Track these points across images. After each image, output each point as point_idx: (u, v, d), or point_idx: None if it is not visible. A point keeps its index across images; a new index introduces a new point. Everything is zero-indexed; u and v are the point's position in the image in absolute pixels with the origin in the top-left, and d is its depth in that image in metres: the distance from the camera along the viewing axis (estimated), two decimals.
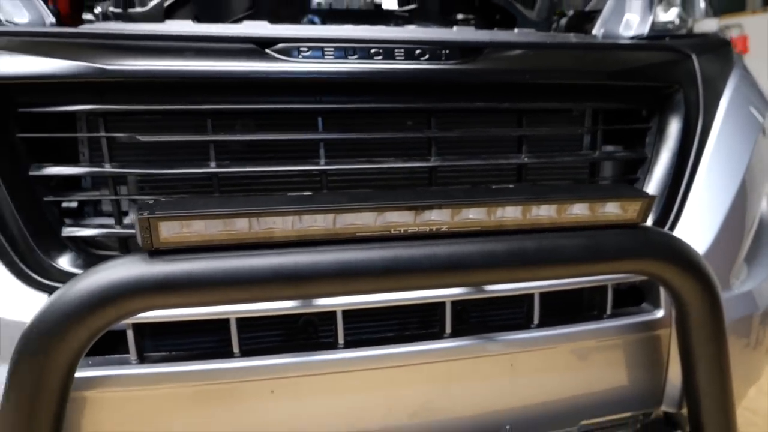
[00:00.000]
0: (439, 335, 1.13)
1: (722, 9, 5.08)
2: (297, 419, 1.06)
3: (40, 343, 0.85)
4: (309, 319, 1.10)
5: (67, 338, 0.85)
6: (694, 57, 1.33)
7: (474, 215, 0.98)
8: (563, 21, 1.59)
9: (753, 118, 1.41)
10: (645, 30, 1.40)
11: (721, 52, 1.48)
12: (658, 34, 1.44)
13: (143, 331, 1.03)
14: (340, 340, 1.07)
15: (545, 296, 1.18)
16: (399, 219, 0.95)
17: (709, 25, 1.58)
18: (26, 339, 0.86)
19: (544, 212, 1.02)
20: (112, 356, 1.02)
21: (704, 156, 1.32)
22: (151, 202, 0.88)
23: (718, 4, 5.13)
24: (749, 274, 1.41)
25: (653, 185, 1.30)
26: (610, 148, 1.36)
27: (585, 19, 1.51)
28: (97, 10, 1.26)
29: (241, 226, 0.87)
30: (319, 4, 1.32)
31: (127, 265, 0.84)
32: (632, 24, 1.42)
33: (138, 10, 1.23)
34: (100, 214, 1.13)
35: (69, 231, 1.04)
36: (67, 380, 0.88)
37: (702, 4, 1.59)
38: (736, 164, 1.33)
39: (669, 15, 1.50)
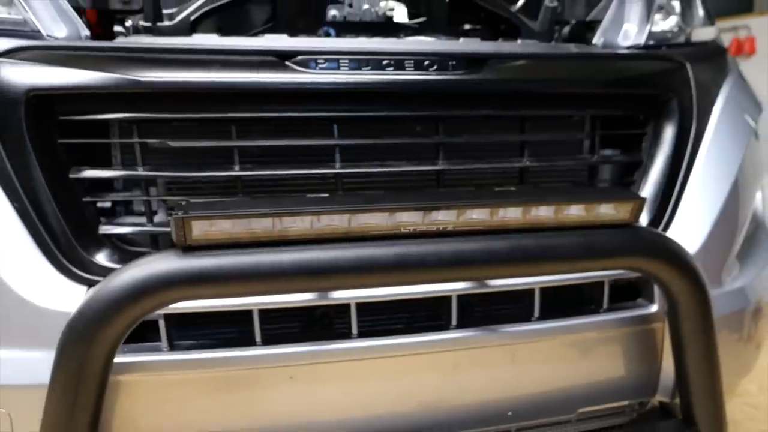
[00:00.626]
0: (445, 327, 1.18)
1: (730, 10, 5.10)
2: (314, 403, 1.13)
3: (84, 330, 0.93)
4: (325, 311, 1.17)
5: (109, 326, 0.92)
6: (688, 66, 1.39)
7: (478, 215, 1.05)
8: (566, 29, 1.65)
9: (745, 122, 1.48)
10: (642, 40, 1.46)
11: (716, 60, 1.54)
12: (656, 44, 1.49)
13: (171, 321, 1.09)
14: (354, 331, 1.13)
15: (545, 291, 1.23)
16: (409, 219, 1.02)
17: (707, 33, 1.63)
18: (72, 327, 0.94)
19: (543, 213, 1.08)
20: (144, 344, 1.08)
21: (698, 160, 1.38)
22: (183, 203, 0.97)
23: (726, 5, 5.15)
24: (741, 271, 1.47)
25: (649, 187, 1.36)
26: (608, 152, 1.41)
27: (586, 29, 1.57)
28: (128, 23, 1.33)
29: (264, 225, 0.95)
30: (334, 16, 1.39)
31: (163, 260, 0.93)
32: (630, 34, 1.47)
33: (167, 23, 1.30)
34: (131, 213, 1.20)
35: (105, 229, 1.11)
36: (107, 365, 0.96)
37: (701, 13, 1.64)
38: (728, 168, 1.39)
39: (667, 23, 1.55)
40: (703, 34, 1.60)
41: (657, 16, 1.53)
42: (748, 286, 1.44)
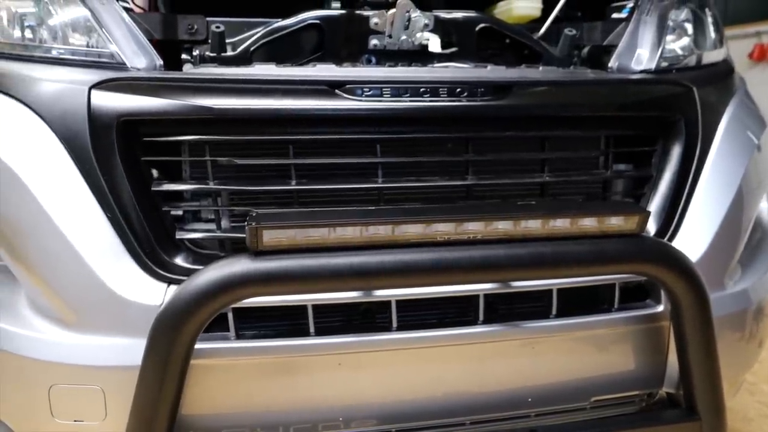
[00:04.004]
0: (473, 322, 1.29)
1: (753, 16, 5.14)
2: (358, 386, 1.27)
3: (172, 321, 1.08)
4: (368, 307, 1.30)
5: (193, 318, 1.08)
6: (694, 89, 1.49)
7: (503, 226, 1.18)
8: (585, 51, 1.76)
9: (748, 138, 1.57)
10: (653, 65, 1.55)
11: (723, 81, 1.63)
12: (667, 66, 1.58)
13: (237, 314, 1.23)
14: (394, 324, 1.25)
15: (562, 292, 1.33)
16: (443, 229, 1.16)
17: (717, 55, 1.75)
18: (161, 318, 1.09)
19: (560, 224, 1.20)
20: (214, 333, 1.22)
21: (703, 174, 1.47)
22: (254, 214, 1.12)
23: (749, 10, 5.19)
24: (743, 275, 1.56)
25: (658, 199, 1.46)
26: (621, 166, 1.53)
27: (602, 52, 1.68)
28: (195, 52, 1.48)
29: (322, 233, 1.11)
30: (375, 45, 1.52)
31: (238, 262, 1.08)
32: (643, 59, 1.56)
33: (230, 54, 1.45)
34: (198, 219, 1.35)
35: (182, 234, 1.27)
36: (189, 350, 1.12)
37: (713, 35, 1.72)
38: (731, 181, 1.48)
39: (679, 44, 1.63)
40: (713, 55, 1.70)
41: (670, 37, 1.61)
42: (750, 289, 1.52)
